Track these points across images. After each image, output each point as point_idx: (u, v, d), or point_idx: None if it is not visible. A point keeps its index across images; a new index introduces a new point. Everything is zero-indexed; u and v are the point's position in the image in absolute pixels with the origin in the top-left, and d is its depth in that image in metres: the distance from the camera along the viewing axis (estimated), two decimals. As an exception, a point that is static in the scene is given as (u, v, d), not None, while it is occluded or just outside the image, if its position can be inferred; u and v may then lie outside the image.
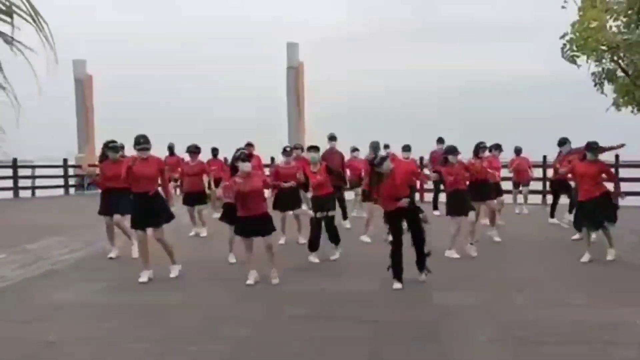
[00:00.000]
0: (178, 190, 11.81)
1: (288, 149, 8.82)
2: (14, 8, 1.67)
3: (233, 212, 6.67)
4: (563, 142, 9.65)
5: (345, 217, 10.50)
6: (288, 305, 5.74)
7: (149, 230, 6.67)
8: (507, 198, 11.88)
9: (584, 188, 7.50)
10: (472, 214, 7.87)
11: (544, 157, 14.76)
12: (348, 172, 11.14)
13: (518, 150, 12.65)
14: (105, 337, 4.87)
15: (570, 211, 9.69)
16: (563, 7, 9.46)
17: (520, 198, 13.25)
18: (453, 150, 7.80)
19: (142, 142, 6.55)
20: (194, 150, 9.92)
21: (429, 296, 6.05)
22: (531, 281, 6.64)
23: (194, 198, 9.82)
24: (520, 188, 13.03)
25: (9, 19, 1.58)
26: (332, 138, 10.67)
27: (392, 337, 4.82)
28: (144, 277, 6.64)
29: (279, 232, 7.88)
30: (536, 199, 14.64)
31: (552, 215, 10.70)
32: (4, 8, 1.55)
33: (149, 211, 6.56)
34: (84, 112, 19.86)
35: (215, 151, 11.75)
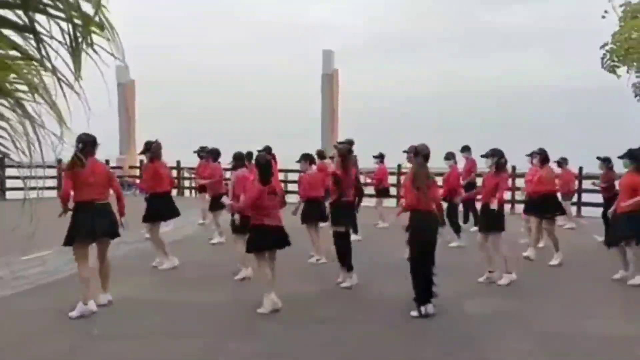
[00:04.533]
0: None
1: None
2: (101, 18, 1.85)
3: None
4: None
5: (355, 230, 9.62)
6: (320, 307, 5.88)
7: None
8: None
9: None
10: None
11: (580, 168, 14.40)
12: (369, 179, 11.17)
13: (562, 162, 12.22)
14: (144, 333, 5.11)
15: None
16: (603, 17, 9.37)
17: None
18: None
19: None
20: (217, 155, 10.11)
21: (460, 304, 6.09)
22: (565, 292, 6.61)
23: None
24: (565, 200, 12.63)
25: (100, 31, 1.76)
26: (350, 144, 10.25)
27: (423, 346, 4.89)
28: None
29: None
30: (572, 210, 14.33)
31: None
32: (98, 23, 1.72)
33: None
34: (125, 115, 20.50)
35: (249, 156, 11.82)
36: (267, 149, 9.23)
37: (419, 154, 5.78)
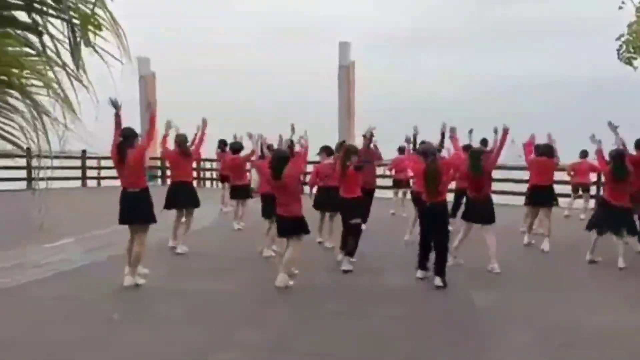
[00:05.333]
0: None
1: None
2: (98, 18, 1.99)
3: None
4: None
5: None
6: (324, 300, 5.98)
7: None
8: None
9: None
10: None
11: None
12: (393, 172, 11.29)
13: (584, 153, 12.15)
14: (158, 321, 5.30)
15: None
16: (620, 7, 9.24)
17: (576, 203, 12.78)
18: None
19: None
20: (238, 148, 10.30)
21: (467, 296, 6.16)
22: (571, 284, 6.64)
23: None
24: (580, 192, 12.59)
25: (98, 31, 1.91)
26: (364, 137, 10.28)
27: (429, 336, 4.98)
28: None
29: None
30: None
31: None
32: (95, 23, 1.87)
33: None
34: (147, 109, 20.79)
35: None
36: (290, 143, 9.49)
37: (428, 154, 6.45)
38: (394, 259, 7.88)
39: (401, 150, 11.72)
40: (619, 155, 7.44)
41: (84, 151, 18.96)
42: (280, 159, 6.23)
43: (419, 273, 6.63)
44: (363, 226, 7.84)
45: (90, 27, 1.86)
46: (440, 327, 5.17)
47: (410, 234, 8.70)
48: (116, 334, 4.89)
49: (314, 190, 8.76)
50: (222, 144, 12.55)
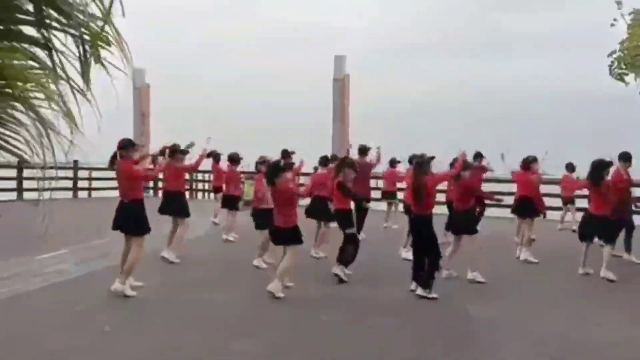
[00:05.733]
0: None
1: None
2: (107, 34, 2.03)
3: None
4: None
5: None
6: (320, 310, 5.99)
7: None
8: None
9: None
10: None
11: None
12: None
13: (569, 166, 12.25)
14: (152, 330, 5.28)
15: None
16: (612, 24, 9.40)
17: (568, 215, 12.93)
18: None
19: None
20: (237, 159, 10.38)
21: (462, 307, 6.19)
22: (566, 296, 6.70)
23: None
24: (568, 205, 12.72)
25: (107, 46, 1.95)
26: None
27: (424, 346, 5.00)
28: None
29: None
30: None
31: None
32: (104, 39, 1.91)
33: None
34: (140, 120, 20.81)
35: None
36: (284, 153, 9.63)
37: (422, 166, 6.54)
38: (389, 270, 7.91)
39: (392, 163, 11.80)
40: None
41: (75, 161, 18.90)
42: (275, 167, 6.54)
43: (413, 285, 6.68)
44: (362, 235, 7.90)
45: (100, 42, 1.90)
46: (435, 338, 5.20)
47: (405, 247, 8.66)
48: (112, 344, 4.88)
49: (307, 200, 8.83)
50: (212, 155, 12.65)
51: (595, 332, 5.37)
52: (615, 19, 9.48)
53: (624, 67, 9.46)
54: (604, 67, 9.68)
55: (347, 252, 7.22)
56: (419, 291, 6.44)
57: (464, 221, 7.38)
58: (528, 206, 8.96)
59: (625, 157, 7.92)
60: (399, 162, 11.56)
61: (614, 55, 9.61)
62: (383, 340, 5.04)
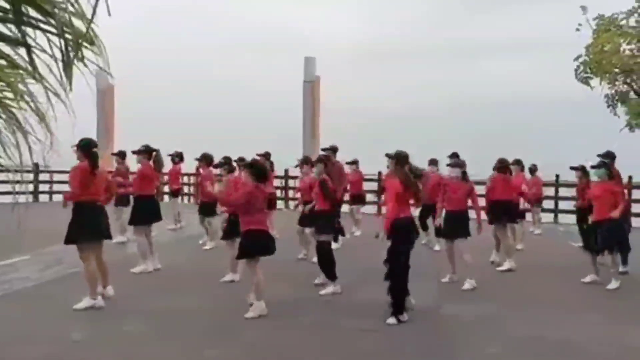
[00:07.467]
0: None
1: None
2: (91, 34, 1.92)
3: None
4: None
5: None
6: (295, 313, 5.93)
7: None
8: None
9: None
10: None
11: (557, 175, 14.72)
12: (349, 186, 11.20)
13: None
14: (123, 339, 5.11)
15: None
16: (577, 29, 9.65)
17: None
18: None
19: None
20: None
21: (438, 307, 6.20)
22: (545, 297, 6.78)
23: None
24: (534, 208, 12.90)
25: (90, 46, 1.85)
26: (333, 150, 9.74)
27: (402, 348, 4.99)
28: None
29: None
30: (548, 217, 14.66)
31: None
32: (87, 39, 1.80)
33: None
34: (104, 122, 20.31)
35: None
36: (266, 155, 9.58)
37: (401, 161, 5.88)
38: (365, 273, 7.86)
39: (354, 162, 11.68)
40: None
41: (36, 164, 18.28)
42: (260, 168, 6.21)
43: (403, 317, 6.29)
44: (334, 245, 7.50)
45: (83, 42, 1.79)
46: (413, 340, 5.18)
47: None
48: (81, 354, 4.71)
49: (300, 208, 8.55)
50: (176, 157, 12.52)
51: (573, 333, 5.42)
52: (580, 24, 9.74)
53: (588, 71, 9.71)
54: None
55: (326, 268, 6.85)
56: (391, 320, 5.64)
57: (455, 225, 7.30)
58: (504, 211, 8.59)
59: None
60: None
61: (580, 60, 9.86)
62: (361, 343, 5.00)
